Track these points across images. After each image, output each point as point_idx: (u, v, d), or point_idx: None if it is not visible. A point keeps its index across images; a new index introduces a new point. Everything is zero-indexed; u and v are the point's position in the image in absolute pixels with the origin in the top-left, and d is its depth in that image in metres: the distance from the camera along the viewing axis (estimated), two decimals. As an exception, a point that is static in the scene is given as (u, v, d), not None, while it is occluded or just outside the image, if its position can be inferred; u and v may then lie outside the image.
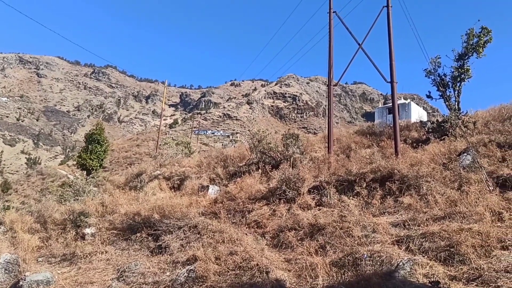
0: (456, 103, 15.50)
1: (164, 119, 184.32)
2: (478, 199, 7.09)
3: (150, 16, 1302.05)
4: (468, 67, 15.43)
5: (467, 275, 5.09)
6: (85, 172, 28.20)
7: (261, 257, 6.96)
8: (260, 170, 13.34)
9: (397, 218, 7.53)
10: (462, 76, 15.47)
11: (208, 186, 13.45)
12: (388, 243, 6.46)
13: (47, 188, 34.27)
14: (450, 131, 13.21)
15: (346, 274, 5.93)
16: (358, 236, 6.92)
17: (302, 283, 6.07)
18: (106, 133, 35.96)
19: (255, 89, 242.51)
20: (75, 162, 36.21)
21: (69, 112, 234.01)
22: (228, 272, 6.81)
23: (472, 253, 5.45)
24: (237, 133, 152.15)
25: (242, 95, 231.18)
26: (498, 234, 5.76)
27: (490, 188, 7.54)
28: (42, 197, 27.10)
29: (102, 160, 30.17)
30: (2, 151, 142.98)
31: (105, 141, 30.86)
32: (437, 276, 5.22)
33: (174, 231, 9.29)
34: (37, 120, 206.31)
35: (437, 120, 15.09)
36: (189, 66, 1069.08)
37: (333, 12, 15.26)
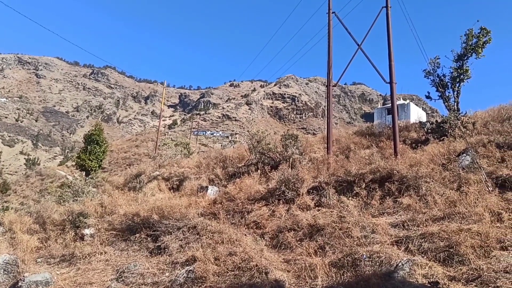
0: (455, 103, 15.51)
1: (163, 120, 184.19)
2: (477, 199, 7.09)
3: (149, 17, 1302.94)
4: (467, 68, 15.45)
5: (467, 275, 5.09)
6: (84, 173, 28.17)
7: (260, 257, 6.96)
8: (259, 171, 13.33)
9: (396, 218, 7.53)
10: (461, 76, 15.48)
11: (207, 187, 13.44)
12: (388, 244, 6.46)
13: (46, 189, 34.20)
14: (449, 131, 13.21)
15: (345, 275, 5.93)
16: (357, 237, 6.92)
17: (301, 283, 6.06)
18: (105, 133, 35.92)
19: (254, 90, 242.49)
20: (74, 163, 36.17)
21: (68, 112, 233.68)
22: (227, 272, 6.80)
23: (472, 254, 5.45)
24: (236, 133, 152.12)
25: (241, 96, 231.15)
26: (497, 234, 5.77)
27: (489, 188, 7.54)
28: (41, 198, 27.06)
29: (101, 160, 30.15)
30: (1, 152, 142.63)
31: (104, 142, 30.84)
32: (436, 276, 5.22)
33: (173, 232, 9.28)
34: (36, 120, 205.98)
35: (436, 121, 15.10)
36: (188, 66, 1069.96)
37: (332, 12, 15.27)
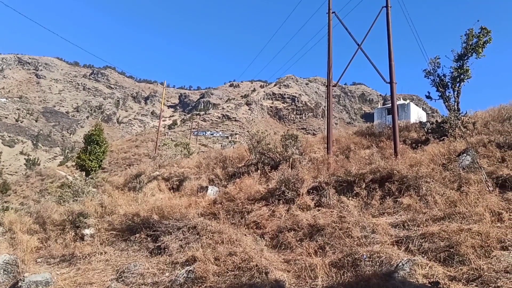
0: (456, 103, 15.50)
1: (163, 120, 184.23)
2: (477, 199, 7.09)
3: (149, 17, 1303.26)
4: (467, 68, 15.44)
5: (467, 275, 5.08)
6: (84, 173, 28.11)
7: (260, 257, 6.95)
8: (259, 171, 13.33)
9: (397, 218, 7.52)
10: (462, 76, 15.47)
11: (207, 187, 13.43)
12: (388, 244, 6.45)
13: (46, 189, 34.22)
14: (450, 131, 13.21)
15: (345, 275, 5.92)
16: (358, 237, 6.91)
17: (301, 283, 6.06)
18: (105, 134, 35.89)
19: (254, 90, 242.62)
20: (74, 163, 36.12)
21: (68, 113, 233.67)
22: (227, 272, 6.80)
23: (472, 254, 5.44)
24: (236, 134, 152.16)
25: (241, 96, 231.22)
26: (498, 234, 5.76)
27: (489, 188, 7.53)
28: (41, 198, 27.06)
29: (101, 161, 30.11)
30: (1, 152, 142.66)
31: (104, 142, 30.79)
32: (436, 276, 5.22)
33: (173, 232, 9.27)
34: (36, 121, 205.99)
35: (436, 121, 15.09)
36: (188, 67, 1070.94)
37: (332, 12, 15.26)
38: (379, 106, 38.97)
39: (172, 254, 8.29)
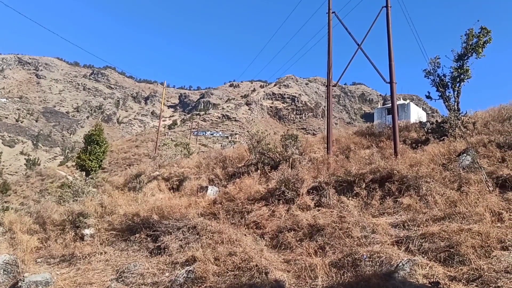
0: (456, 103, 15.49)
1: (163, 120, 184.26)
2: (478, 199, 7.08)
3: (149, 17, 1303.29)
4: (467, 68, 15.42)
5: (467, 275, 5.08)
6: (84, 173, 28.10)
7: (260, 257, 6.94)
8: (259, 171, 13.32)
9: (397, 218, 7.51)
10: (462, 76, 15.45)
11: (207, 187, 13.43)
12: (388, 244, 6.44)
13: (46, 189, 34.24)
14: (450, 131, 13.20)
15: (345, 275, 5.92)
16: (358, 237, 6.91)
17: (301, 284, 6.05)
18: (105, 134, 35.87)
19: (254, 90, 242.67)
20: (74, 163, 36.12)
21: (68, 113, 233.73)
22: (227, 272, 6.79)
23: (472, 254, 5.43)
24: (236, 134, 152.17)
25: (241, 96, 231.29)
26: (498, 234, 5.75)
27: (490, 188, 7.53)
28: (41, 198, 27.07)
29: (101, 161, 30.09)
30: (1, 152, 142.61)
31: (104, 142, 30.77)
32: (437, 276, 5.21)
33: (173, 232, 9.27)
34: (36, 121, 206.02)
35: (436, 121, 15.09)
36: (188, 67, 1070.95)
37: (332, 12, 15.26)
38: (379, 106, 38.98)
39: (172, 254, 8.29)
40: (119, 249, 9.61)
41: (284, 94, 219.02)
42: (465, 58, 15.52)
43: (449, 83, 15.76)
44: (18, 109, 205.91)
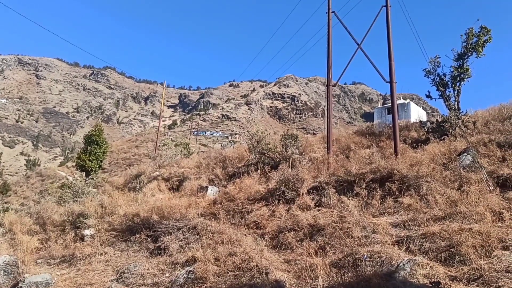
0: (456, 103, 15.48)
1: (163, 120, 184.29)
2: (478, 199, 7.07)
3: (149, 17, 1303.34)
4: (467, 67, 15.41)
5: (468, 275, 5.07)
6: (84, 174, 28.09)
7: (260, 258, 6.93)
8: (259, 171, 13.31)
9: (397, 218, 7.50)
10: (462, 75, 15.45)
11: (207, 187, 13.41)
12: (388, 244, 6.43)
13: (46, 190, 34.24)
14: (450, 131, 13.19)
15: (346, 275, 5.90)
16: (358, 237, 6.89)
17: (301, 284, 6.04)
18: (105, 134, 35.88)
19: (253, 90, 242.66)
20: (74, 164, 36.15)
21: (68, 113, 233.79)
22: (228, 273, 6.78)
23: (473, 253, 5.42)
24: (235, 134, 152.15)
25: (240, 96, 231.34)
26: (499, 234, 5.74)
27: (490, 188, 7.52)
28: (41, 199, 27.07)
29: (101, 161, 30.08)
30: (1, 153, 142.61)
31: (104, 143, 30.76)
32: (437, 276, 5.20)
33: (173, 232, 9.26)
34: (36, 121, 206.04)
35: (436, 120, 15.07)
36: (188, 67, 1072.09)
37: (332, 12, 15.24)
38: (379, 106, 38.97)
39: (172, 255, 8.28)
40: (119, 249, 9.60)
41: (284, 94, 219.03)
42: (465, 57, 15.51)
43: (449, 82, 15.75)
44: (18, 110, 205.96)
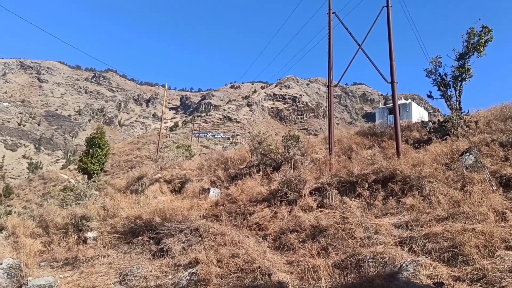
0: (457, 102, 15.44)
1: (165, 122, 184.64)
2: (481, 199, 7.05)
3: (150, 20, 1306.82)
4: (469, 67, 15.37)
5: (471, 275, 5.06)
6: (86, 176, 28.15)
7: (263, 259, 6.93)
8: (261, 172, 13.30)
9: (400, 219, 7.48)
10: (463, 75, 15.40)
11: (209, 189, 13.41)
12: (391, 244, 6.42)
13: (48, 193, 34.28)
14: (452, 131, 13.15)
15: (348, 276, 5.89)
16: (361, 238, 6.89)
17: (304, 285, 6.03)
18: (107, 136, 35.91)
19: (255, 91, 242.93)
20: (76, 166, 36.19)
21: (70, 116, 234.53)
22: (230, 274, 6.78)
23: (476, 254, 5.41)
24: (237, 135, 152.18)
25: (242, 97, 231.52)
26: (502, 234, 5.73)
27: (493, 187, 7.49)
28: (44, 202, 27.08)
29: (103, 164, 30.15)
30: (3, 156, 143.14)
31: (106, 145, 30.83)
32: (441, 277, 5.19)
33: (176, 234, 9.27)
34: (38, 124, 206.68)
35: (438, 120, 15.03)
36: (189, 69, 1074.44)
37: (333, 13, 15.24)
38: (381, 106, 38.91)
39: (175, 257, 8.28)
40: (122, 252, 9.61)
41: (285, 95, 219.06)
42: (467, 57, 15.48)
43: (450, 82, 15.71)
44: (20, 113, 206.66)
